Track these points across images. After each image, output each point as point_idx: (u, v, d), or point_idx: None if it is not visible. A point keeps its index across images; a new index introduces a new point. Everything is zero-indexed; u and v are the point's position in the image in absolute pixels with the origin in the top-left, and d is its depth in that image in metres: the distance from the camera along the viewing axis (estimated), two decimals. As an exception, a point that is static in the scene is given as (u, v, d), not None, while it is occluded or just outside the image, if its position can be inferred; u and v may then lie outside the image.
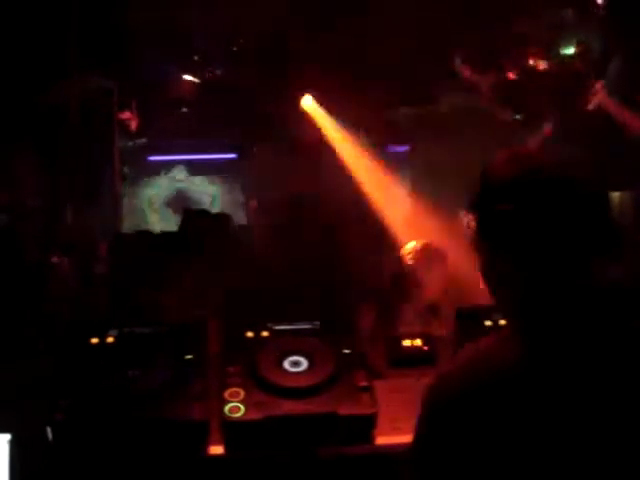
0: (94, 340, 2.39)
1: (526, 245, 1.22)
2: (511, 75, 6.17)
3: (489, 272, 1.28)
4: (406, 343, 2.69)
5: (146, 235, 5.20)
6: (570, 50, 5.44)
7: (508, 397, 1.17)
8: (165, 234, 4.64)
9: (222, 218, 4.82)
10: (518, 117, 6.66)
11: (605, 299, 1.24)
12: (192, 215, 4.82)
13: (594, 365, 1.18)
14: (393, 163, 7.62)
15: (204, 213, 5.06)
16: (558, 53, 5.54)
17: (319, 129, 7.50)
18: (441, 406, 1.22)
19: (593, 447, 1.14)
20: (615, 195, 6.69)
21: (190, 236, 4.31)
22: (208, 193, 8.90)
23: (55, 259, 4.98)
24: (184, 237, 4.33)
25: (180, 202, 8.84)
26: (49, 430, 2.16)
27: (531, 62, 5.80)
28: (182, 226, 4.64)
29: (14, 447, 2.17)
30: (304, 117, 7.55)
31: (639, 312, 1.25)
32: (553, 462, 1.14)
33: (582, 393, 1.17)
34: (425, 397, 1.28)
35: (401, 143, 7.94)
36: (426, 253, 4.04)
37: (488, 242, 1.27)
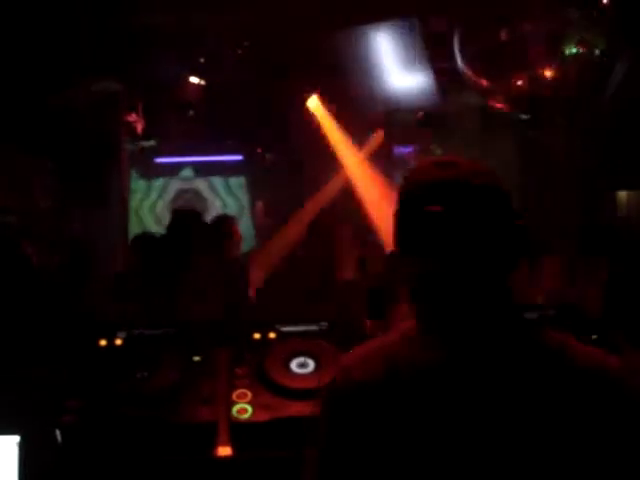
0: (102, 342, 2.40)
1: (439, 250, 1.21)
2: (521, 82, 6.17)
3: (406, 273, 1.26)
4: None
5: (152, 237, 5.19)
6: (574, 50, 5.43)
7: (413, 394, 1.18)
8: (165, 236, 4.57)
9: (226, 219, 4.78)
10: (525, 117, 6.66)
11: (514, 308, 1.25)
12: (181, 216, 4.71)
13: (495, 369, 1.19)
14: (398, 164, 7.63)
15: (193, 214, 4.94)
16: (561, 53, 5.53)
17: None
18: (340, 401, 1.22)
19: (488, 443, 1.16)
20: (622, 194, 6.70)
21: (192, 238, 4.28)
22: (215, 195, 8.92)
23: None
24: (173, 238, 4.25)
25: (187, 204, 8.86)
26: (58, 432, 2.18)
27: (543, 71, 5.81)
28: (170, 227, 4.52)
29: (23, 449, 2.18)
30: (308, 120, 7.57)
31: (547, 324, 1.28)
32: (446, 456, 1.16)
33: (481, 394, 1.18)
34: (324, 393, 1.28)
35: (406, 143, 7.94)
36: None
37: (405, 245, 1.26)
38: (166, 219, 8.71)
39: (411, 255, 1.24)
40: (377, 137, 7.70)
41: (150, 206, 8.90)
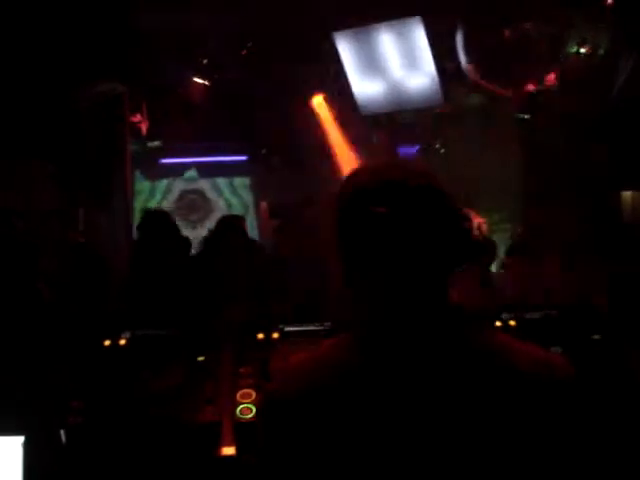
0: (107, 342, 2.41)
1: (382, 251, 1.19)
2: (530, 87, 6.18)
3: (344, 278, 1.24)
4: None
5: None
6: (577, 49, 5.43)
7: (342, 400, 1.17)
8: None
9: (238, 219, 4.74)
10: (527, 117, 6.66)
11: (450, 310, 1.23)
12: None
13: (419, 371, 1.18)
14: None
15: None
16: (565, 52, 5.53)
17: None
18: (276, 411, 1.21)
19: (422, 448, 1.15)
20: (627, 194, 6.68)
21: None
22: (220, 195, 8.93)
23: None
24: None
25: (191, 205, 8.88)
26: (63, 432, 2.18)
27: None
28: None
29: (28, 449, 2.18)
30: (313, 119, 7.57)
31: (482, 329, 1.25)
32: (383, 461, 1.15)
33: (404, 397, 1.17)
34: (260, 404, 1.28)
35: (412, 143, 7.94)
36: None
37: (344, 249, 1.23)
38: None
39: (352, 257, 1.23)
40: (381, 137, 7.71)
41: (154, 207, 8.91)
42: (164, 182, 8.94)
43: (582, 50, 5.52)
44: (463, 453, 1.14)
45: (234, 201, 8.97)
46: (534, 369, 1.19)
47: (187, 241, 4.00)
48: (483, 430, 1.15)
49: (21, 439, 2.19)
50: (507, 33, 5.94)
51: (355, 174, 1.29)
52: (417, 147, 8.03)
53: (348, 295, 1.26)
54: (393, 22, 6.72)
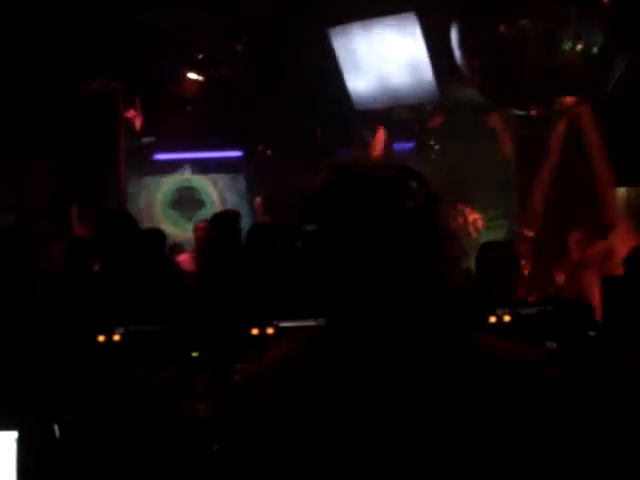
0: (101, 338, 2.40)
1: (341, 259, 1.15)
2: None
3: (317, 277, 1.19)
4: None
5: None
6: (571, 45, 5.43)
7: (311, 398, 1.14)
8: None
9: (231, 215, 4.72)
10: (521, 113, 6.66)
11: (425, 308, 1.18)
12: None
13: (388, 367, 1.15)
14: (399, 161, 7.63)
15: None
16: (559, 48, 5.53)
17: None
18: (243, 407, 1.18)
19: (392, 448, 1.11)
20: (622, 191, 6.70)
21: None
22: (214, 192, 8.91)
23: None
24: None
25: (186, 202, 8.85)
26: (56, 427, 2.17)
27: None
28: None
29: (21, 444, 2.17)
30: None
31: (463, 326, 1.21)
32: (357, 461, 1.11)
33: (380, 397, 1.13)
34: (228, 400, 1.23)
35: (407, 140, 7.94)
36: None
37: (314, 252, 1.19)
38: (165, 216, 8.76)
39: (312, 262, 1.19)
40: (378, 134, 7.71)
41: (148, 204, 8.88)
42: (158, 178, 8.92)
43: (577, 47, 5.51)
44: (432, 451, 1.11)
45: (229, 197, 8.96)
46: (515, 366, 1.15)
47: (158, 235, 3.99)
48: (454, 428, 1.11)
49: (15, 434, 2.18)
50: (502, 29, 5.94)
51: (320, 175, 1.25)
52: (412, 144, 8.03)
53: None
54: (388, 18, 6.72)
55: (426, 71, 6.75)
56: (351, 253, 1.15)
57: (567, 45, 5.48)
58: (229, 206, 8.54)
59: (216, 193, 9.01)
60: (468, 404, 1.12)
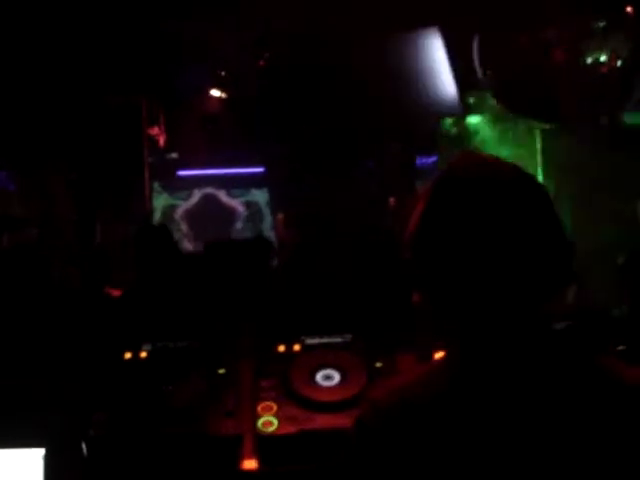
0: (128, 355, 2.40)
1: (468, 257, 1.09)
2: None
3: (426, 292, 1.15)
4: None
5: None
6: (598, 58, 5.41)
7: (440, 423, 1.10)
8: None
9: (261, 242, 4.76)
10: (546, 125, 6.62)
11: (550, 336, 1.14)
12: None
13: (531, 400, 1.09)
14: (421, 175, 7.60)
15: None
16: (586, 61, 5.50)
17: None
18: (374, 433, 1.14)
19: (523, 470, 1.07)
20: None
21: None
22: (238, 207, 8.94)
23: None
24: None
25: (208, 217, 8.88)
26: (84, 445, 2.17)
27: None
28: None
29: (49, 462, 2.17)
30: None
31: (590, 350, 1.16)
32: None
33: (513, 420, 1.09)
34: (355, 427, 1.17)
35: (429, 153, 7.91)
36: None
37: (430, 253, 1.13)
38: (189, 232, 8.80)
39: (439, 263, 1.13)
40: (399, 147, 7.69)
41: (172, 220, 8.93)
42: (182, 194, 8.98)
43: (601, 59, 5.49)
44: (566, 475, 1.08)
45: (251, 213, 8.98)
46: None
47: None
48: (591, 453, 1.08)
49: (42, 452, 2.18)
50: (523, 41, 5.93)
51: (453, 169, 1.18)
52: (434, 157, 8.00)
53: (426, 311, 1.16)
54: (410, 33, 6.72)
55: (449, 84, 6.74)
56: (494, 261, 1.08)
57: (592, 57, 5.46)
58: (251, 222, 8.56)
59: (240, 208, 9.04)
60: (610, 434, 1.09)
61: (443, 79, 6.73)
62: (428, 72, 6.79)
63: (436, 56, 6.65)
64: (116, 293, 4.13)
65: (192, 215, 8.93)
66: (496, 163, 1.18)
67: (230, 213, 8.97)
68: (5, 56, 6.08)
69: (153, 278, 3.32)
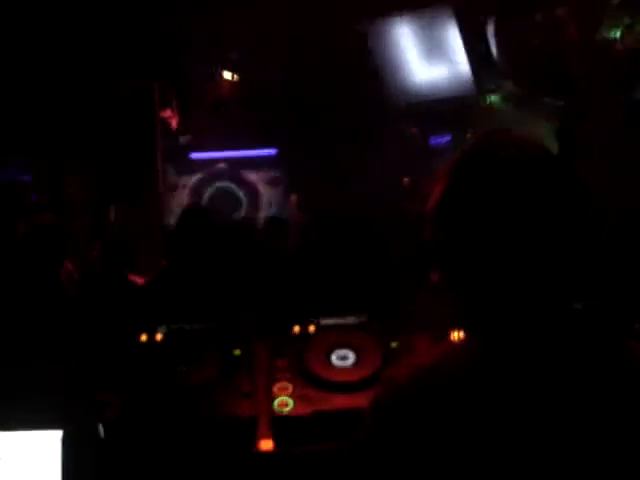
0: (143, 337, 2.40)
1: (493, 237, 1.07)
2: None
3: (454, 281, 1.12)
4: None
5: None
6: (616, 33, 5.33)
7: (459, 406, 1.09)
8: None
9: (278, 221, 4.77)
10: (560, 103, 6.55)
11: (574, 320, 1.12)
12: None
13: (553, 379, 1.08)
14: (435, 154, 7.56)
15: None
16: (603, 36, 5.43)
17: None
18: (391, 414, 1.12)
19: (545, 455, 1.05)
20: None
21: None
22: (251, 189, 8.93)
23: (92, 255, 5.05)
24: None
25: (222, 200, 8.88)
26: (101, 427, 2.18)
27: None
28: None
29: (66, 444, 2.18)
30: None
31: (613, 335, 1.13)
32: (506, 468, 1.06)
33: (536, 403, 1.07)
34: (372, 407, 1.16)
35: (443, 133, 7.87)
36: None
37: (453, 233, 1.10)
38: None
39: (464, 243, 1.10)
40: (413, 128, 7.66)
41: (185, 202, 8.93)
42: (195, 177, 8.97)
43: (617, 35, 5.41)
44: (592, 463, 1.06)
45: (264, 195, 8.97)
46: None
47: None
48: (615, 438, 1.07)
49: (59, 433, 2.19)
50: (538, 18, 5.86)
51: (479, 145, 1.16)
52: (448, 137, 7.95)
53: (444, 291, 1.14)
54: (422, 12, 6.66)
55: (461, 64, 6.68)
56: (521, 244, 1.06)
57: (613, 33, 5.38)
58: (265, 204, 8.55)
59: (252, 192, 9.03)
60: (634, 420, 1.07)
61: (457, 59, 6.67)
62: (441, 53, 6.73)
63: (450, 36, 6.59)
64: (139, 280, 4.14)
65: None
66: (522, 142, 1.16)
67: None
68: (20, 43, 6.08)
69: (187, 261, 3.31)
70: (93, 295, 3.57)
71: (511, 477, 1.07)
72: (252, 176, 8.85)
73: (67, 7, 6.20)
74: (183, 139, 8.19)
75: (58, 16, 6.23)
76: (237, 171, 8.78)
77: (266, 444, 2.28)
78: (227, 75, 7.85)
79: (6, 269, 3.56)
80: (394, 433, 1.13)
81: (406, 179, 7.54)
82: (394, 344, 2.46)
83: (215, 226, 3.65)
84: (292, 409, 2.27)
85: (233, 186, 8.91)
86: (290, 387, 2.34)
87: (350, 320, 2.56)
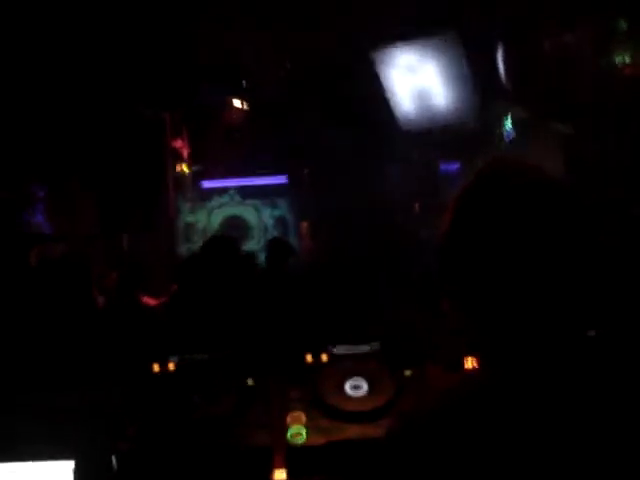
0: (156, 367, 2.40)
1: (505, 266, 1.07)
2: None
3: (467, 310, 1.13)
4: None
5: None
6: (620, 59, 5.35)
7: (473, 437, 1.08)
8: None
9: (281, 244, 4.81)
10: (569, 130, 6.56)
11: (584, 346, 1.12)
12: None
13: (572, 416, 1.07)
14: (445, 182, 7.58)
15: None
16: (608, 62, 5.45)
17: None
18: (405, 446, 1.11)
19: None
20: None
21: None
22: (261, 218, 8.94)
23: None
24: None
25: (232, 229, 8.90)
26: (114, 458, 2.17)
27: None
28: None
29: (78, 475, 2.17)
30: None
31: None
32: None
33: (550, 433, 1.06)
34: (386, 439, 1.15)
35: (452, 160, 7.89)
36: None
37: (465, 260, 1.11)
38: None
39: (476, 272, 1.10)
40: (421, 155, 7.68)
41: (197, 231, 8.95)
42: (207, 205, 9.00)
43: (626, 60, 5.43)
44: None
45: (274, 222, 8.99)
46: None
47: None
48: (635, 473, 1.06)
49: (72, 464, 2.18)
50: (547, 44, 5.88)
51: (488, 172, 1.16)
52: (457, 164, 7.97)
53: (455, 319, 1.14)
54: (428, 38, 6.70)
55: (467, 90, 6.71)
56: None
57: (617, 59, 5.40)
58: (275, 232, 8.57)
59: (263, 220, 9.05)
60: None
61: (466, 86, 6.71)
62: (451, 79, 6.77)
63: (458, 63, 6.62)
64: (152, 302, 4.15)
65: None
66: (531, 169, 1.16)
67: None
68: (35, 70, 6.15)
69: (202, 288, 3.33)
70: (110, 325, 3.57)
71: None
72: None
73: (84, 37, 6.28)
74: (193, 168, 8.24)
75: (68, 46, 6.30)
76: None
77: (280, 474, 2.27)
78: (237, 103, 7.91)
79: (25, 300, 3.58)
80: (408, 465, 1.12)
81: (416, 204, 7.56)
82: (407, 373, 2.45)
83: (240, 255, 3.67)
84: (306, 439, 2.26)
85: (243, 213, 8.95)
86: (304, 417, 2.33)
87: (363, 349, 2.55)
